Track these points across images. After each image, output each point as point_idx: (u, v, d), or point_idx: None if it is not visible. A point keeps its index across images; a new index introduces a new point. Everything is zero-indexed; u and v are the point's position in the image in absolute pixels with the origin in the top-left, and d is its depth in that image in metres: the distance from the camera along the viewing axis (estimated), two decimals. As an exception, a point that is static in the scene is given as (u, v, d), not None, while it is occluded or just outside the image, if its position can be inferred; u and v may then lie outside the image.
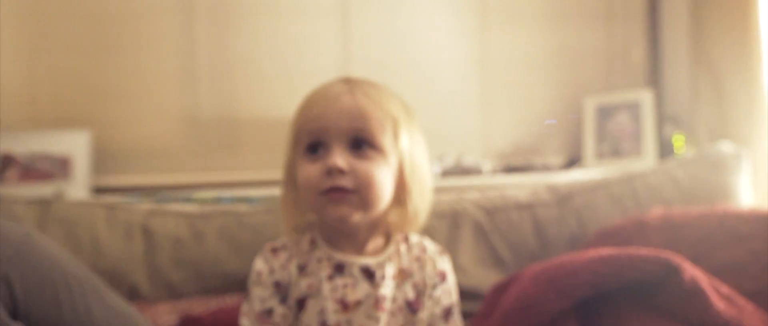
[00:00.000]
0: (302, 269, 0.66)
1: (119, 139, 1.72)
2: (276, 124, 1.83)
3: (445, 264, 0.71)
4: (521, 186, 1.35)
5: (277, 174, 1.95)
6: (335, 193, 0.62)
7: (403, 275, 0.68)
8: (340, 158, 0.62)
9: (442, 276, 0.70)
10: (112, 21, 1.72)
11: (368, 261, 0.67)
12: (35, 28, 1.68)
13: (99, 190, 1.64)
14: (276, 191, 1.59)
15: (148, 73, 1.72)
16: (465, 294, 1.13)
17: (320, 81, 1.99)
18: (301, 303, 0.65)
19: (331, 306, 0.65)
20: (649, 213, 1.11)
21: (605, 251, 0.80)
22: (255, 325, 0.65)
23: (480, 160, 1.74)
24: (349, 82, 0.68)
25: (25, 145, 1.57)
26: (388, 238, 0.70)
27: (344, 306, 0.65)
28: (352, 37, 1.81)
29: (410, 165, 0.67)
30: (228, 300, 1.12)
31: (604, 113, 1.79)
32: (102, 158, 1.68)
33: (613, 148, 1.76)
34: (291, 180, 0.69)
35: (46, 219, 1.13)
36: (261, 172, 1.79)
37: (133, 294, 1.08)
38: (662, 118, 1.78)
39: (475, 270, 1.17)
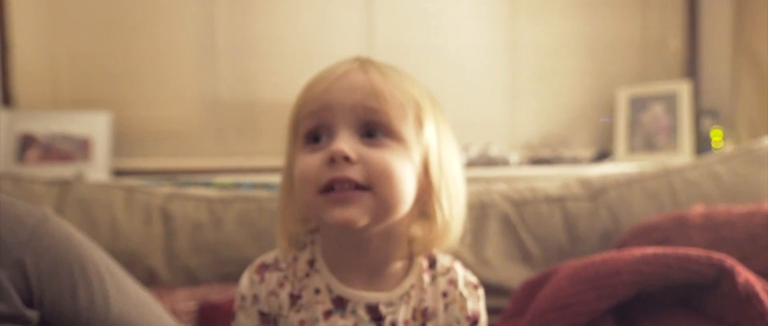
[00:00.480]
0: (295, 300, 0.52)
1: (138, 121, 1.71)
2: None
3: (476, 303, 0.54)
4: (550, 178, 1.29)
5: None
6: (340, 192, 0.47)
7: (423, 316, 0.52)
8: (345, 143, 0.47)
9: (473, 320, 0.54)
10: (133, 3, 1.71)
11: (379, 297, 0.51)
12: (56, 9, 1.67)
13: (118, 173, 1.63)
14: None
15: (167, 55, 1.71)
16: (491, 289, 1.09)
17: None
18: None
19: None
20: (690, 210, 1.04)
21: (650, 249, 0.74)
22: None
23: (507, 151, 1.68)
24: (362, 60, 0.52)
25: (45, 125, 1.57)
26: (409, 263, 0.54)
27: None
28: (375, 19, 1.77)
29: (438, 162, 0.51)
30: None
31: (638, 105, 1.72)
32: (121, 140, 1.68)
33: (646, 142, 1.68)
34: (289, 178, 0.54)
35: (65, 200, 1.11)
36: (279, 159, 1.76)
37: (151, 279, 1.06)
38: (699, 111, 1.70)
39: (501, 264, 1.13)
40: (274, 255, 0.55)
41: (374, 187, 0.47)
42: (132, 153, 1.71)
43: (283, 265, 0.54)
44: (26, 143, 1.56)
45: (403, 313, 0.52)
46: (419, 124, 0.51)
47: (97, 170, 1.58)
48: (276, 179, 1.54)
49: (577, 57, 1.83)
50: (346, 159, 0.47)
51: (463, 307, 0.53)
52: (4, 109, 1.59)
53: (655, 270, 0.71)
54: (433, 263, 0.55)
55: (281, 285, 0.53)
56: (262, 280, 0.53)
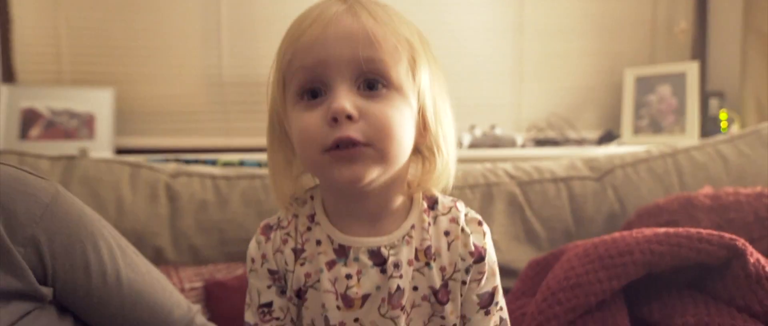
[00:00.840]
0: (299, 254, 0.52)
1: (141, 98, 1.69)
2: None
3: (481, 238, 0.53)
4: (556, 159, 1.29)
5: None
6: (346, 150, 0.46)
7: (426, 256, 0.51)
8: (346, 100, 0.46)
9: (477, 255, 0.52)
10: (136, -22, 1.67)
11: (380, 241, 0.51)
12: (58, -18, 1.63)
13: (120, 151, 1.62)
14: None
15: (172, 32, 1.68)
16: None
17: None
18: (300, 295, 0.52)
19: (331, 301, 0.50)
20: (697, 192, 1.04)
21: (661, 230, 0.74)
22: (257, 321, 0.54)
23: (513, 131, 1.67)
24: (348, 0, 0.49)
25: (48, 101, 1.56)
26: (409, 204, 0.53)
27: (348, 302, 0.50)
28: (382, -2, 1.73)
29: (433, 105, 0.51)
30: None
31: (645, 86, 1.70)
32: (124, 118, 1.66)
33: (653, 123, 1.67)
34: (278, 137, 0.53)
35: (71, 176, 1.11)
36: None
37: (157, 258, 1.06)
38: (707, 93, 1.69)
39: (508, 245, 1.13)
40: (277, 216, 0.55)
41: (376, 143, 0.47)
42: (135, 131, 1.70)
43: (284, 223, 0.53)
44: (29, 119, 1.55)
45: (405, 254, 0.51)
46: (413, 65, 0.49)
47: (101, 148, 1.57)
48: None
49: (584, 37, 1.81)
50: (349, 116, 0.46)
51: (466, 243, 0.52)
52: (6, 85, 1.58)
53: (666, 249, 0.70)
54: (434, 204, 0.54)
55: (284, 241, 0.52)
56: (268, 239, 0.53)
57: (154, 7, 1.67)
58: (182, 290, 1.00)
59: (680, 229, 0.72)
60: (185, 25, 1.69)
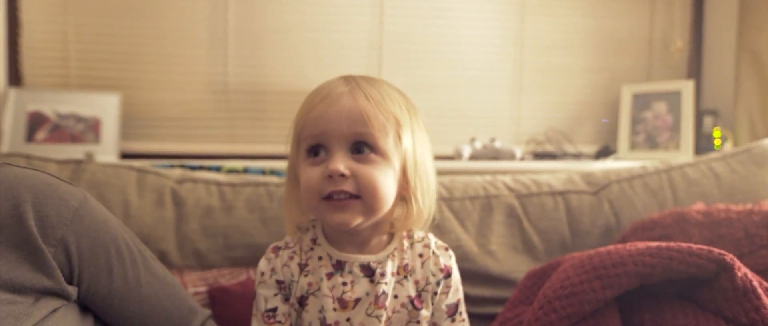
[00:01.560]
0: (303, 267, 0.66)
1: (147, 104, 1.72)
2: (302, 97, 1.80)
3: (448, 260, 0.69)
4: (554, 173, 1.32)
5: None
6: (337, 201, 0.61)
7: (404, 271, 0.66)
8: (341, 163, 0.60)
9: (446, 272, 0.68)
10: (144, -16, 1.70)
11: (369, 258, 0.66)
12: (68, -12, 1.66)
13: (126, 156, 1.64)
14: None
15: (178, 39, 1.71)
16: (495, 280, 1.12)
17: (350, 54, 1.96)
18: (302, 302, 0.65)
19: (329, 304, 0.64)
20: (690, 207, 1.07)
21: (653, 243, 0.77)
22: (261, 325, 0.66)
23: (512, 144, 1.70)
24: (350, 82, 0.65)
25: (55, 105, 1.58)
26: (392, 235, 0.69)
27: (343, 304, 0.64)
28: (385, 10, 1.77)
29: (413, 163, 0.65)
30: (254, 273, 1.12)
31: (642, 103, 1.74)
32: (130, 123, 1.69)
33: (648, 140, 1.71)
34: (294, 178, 0.68)
35: (78, 180, 1.13)
36: (287, 146, 1.78)
37: (162, 261, 1.08)
38: (701, 112, 1.72)
39: (505, 255, 1.15)
40: (284, 241, 0.69)
41: (363, 197, 0.61)
42: (140, 136, 1.72)
43: (291, 244, 0.68)
44: (36, 122, 1.57)
45: (390, 267, 0.65)
46: (398, 137, 0.63)
47: (106, 152, 1.59)
48: (283, 165, 1.56)
49: (583, 54, 1.85)
50: (342, 175, 0.60)
51: (436, 263, 0.68)
52: (14, 88, 1.60)
53: (657, 262, 0.73)
54: (411, 234, 0.70)
55: (291, 258, 0.67)
56: (277, 256, 0.68)
57: (162, 14, 1.70)
58: (187, 293, 1.02)
59: (672, 244, 0.75)
60: (192, 33, 1.72)
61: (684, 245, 0.75)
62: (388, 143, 0.62)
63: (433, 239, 0.70)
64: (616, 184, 1.23)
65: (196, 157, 1.66)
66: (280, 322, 0.65)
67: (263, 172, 1.42)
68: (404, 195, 0.66)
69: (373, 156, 0.62)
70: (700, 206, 1.07)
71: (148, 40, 1.70)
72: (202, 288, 1.05)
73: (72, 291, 0.61)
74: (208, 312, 0.78)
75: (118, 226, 0.68)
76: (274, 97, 1.78)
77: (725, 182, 1.22)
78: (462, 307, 0.69)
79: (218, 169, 1.40)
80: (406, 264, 0.66)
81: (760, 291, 0.72)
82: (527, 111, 1.84)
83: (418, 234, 0.70)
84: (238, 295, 1.02)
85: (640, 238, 1.03)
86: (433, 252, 0.68)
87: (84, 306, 0.65)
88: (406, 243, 0.68)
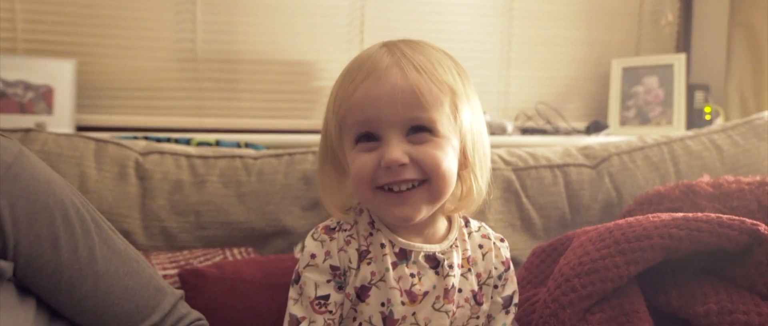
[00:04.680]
0: (364, 254, 0.58)
1: (106, 72, 1.56)
2: (279, 67, 1.69)
3: (507, 251, 0.65)
4: (548, 147, 1.25)
5: (279, 122, 1.81)
6: (398, 194, 0.54)
7: (468, 263, 0.61)
8: (397, 150, 0.53)
9: (507, 265, 0.63)
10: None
11: (434, 247, 0.59)
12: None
13: (82, 128, 1.50)
14: (278, 139, 1.48)
15: (141, 1, 1.56)
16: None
17: (331, 22, 1.82)
18: (361, 293, 0.57)
19: (397, 297, 0.56)
20: (698, 179, 1.02)
21: (678, 214, 0.71)
22: (308, 312, 0.57)
23: (503, 119, 1.63)
24: (394, 51, 0.57)
25: (1, 71, 1.41)
26: (450, 221, 0.63)
27: (412, 297, 0.57)
28: (370, -26, 1.66)
29: (472, 141, 0.59)
30: (234, 253, 1.02)
31: (632, 77, 1.69)
32: (86, 93, 1.54)
33: (639, 114, 1.66)
34: (331, 161, 0.61)
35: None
36: (261, 120, 1.66)
37: (126, 240, 0.97)
38: (691, 86, 1.69)
39: (503, 232, 1.08)
40: (334, 220, 0.60)
41: (431, 179, 0.54)
42: (99, 107, 1.57)
43: (346, 226, 0.59)
44: (-22, 91, 1.40)
45: (456, 258, 0.60)
46: (455, 109, 0.57)
47: (60, 124, 1.44)
48: (259, 139, 1.44)
49: (572, 26, 1.79)
50: (401, 166, 0.53)
51: (498, 255, 0.63)
52: (-48, 53, 1.43)
53: (685, 234, 0.67)
54: (467, 222, 0.65)
55: (348, 242, 0.58)
56: (332, 238, 0.58)
57: (123, -27, 1.54)
58: (154, 277, 0.91)
59: (699, 214, 0.69)
60: (157, -5, 1.57)
61: (713, 215, 0.68)
62: (445, 120, 0.55)
63: (489, 229, 0.65)
64: (616, 157, 1.18)
65: (161, 130, 1.53)
66: (330, 312, 0.57)
67: (238, 145, 1.30)
68: (460, 174, 0.59)
69: (430, 136, 0.55)
70: (708, 178, 1.02)
71: (106, 0, 1.54)
72: (172, 271, 0.94)
73: (6, 266, 0.50)
74: (179, 292, 0.67)
75: (65, 188, 0.56)
76: (248, 66, 1.65)
77: (728, 155, 1.18)
78: (516, 298, 0.65)
79: (187, 142, 1.28)
80: (469, 256, 0.61)
81: (794, 264, 0.66)
82: (516, 85, 1.77)
83: (474, 223, 0.65)
84: (213, 278, 0.91)
85: (648, 212, 0.97)
86: (495, 244, 0.63)
87: (24, 288, 0.53)
88: (464, 231, 0.62)
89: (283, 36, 1.64)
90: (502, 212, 1.10)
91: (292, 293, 0.59)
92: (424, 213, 0.56)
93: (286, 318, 0.58)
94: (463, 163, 0.59)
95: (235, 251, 1.02)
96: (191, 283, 0.92)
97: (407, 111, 0.53)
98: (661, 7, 1.80)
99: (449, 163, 0.55)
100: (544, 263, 0.81)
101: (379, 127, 0.54)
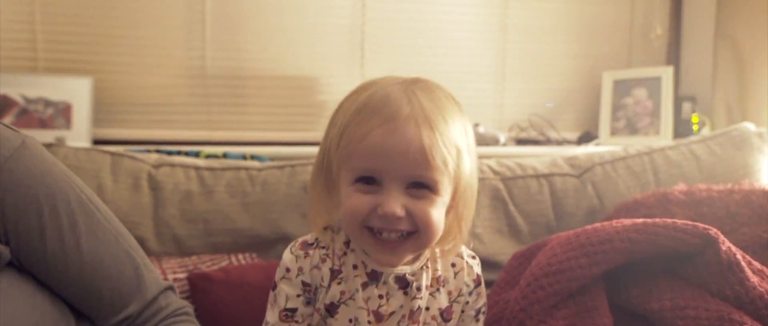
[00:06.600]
0: (336, 274, 0.61)
1: (121, 88, 1.66)
2: (284, 82, 1.78)
3: (478, 268, 0.67)
4: (539, 157, 1.32)
5: (283, 135, 1.90)
6: (387, 242, 0.56)
7: (438, 283, 0.63)
8: (397, 203, 0.55)
9: (477, 281, 0.66)
10: (118, -36, 1.64)
11: (404, 270, 0.61)
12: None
13: (98, 142, 1.59)
14: (282, 151, 1.56)
15: (153, 21, 1.65)
16: (481, 263, 1.12)
17: (332, 39, 1.90)
18: (331, 309, 0.60)
19: (364, 316, 0.60)
20: (673, 188, 1.08)
21: (639, 220, 0.77)
22: (276, 321, 0.61)
23: (496, 130, 1.70)
24: (412, 99, 0.56)
25: (23, 89, 1.51)
26: None
27: (378, 317, 0.60)
28: (368, -6, 1.74)
29: (464, 188, 0.60)
30: (239, 258, 1.09)
31: (623, 89, 1.76)
32: (102, 109, 1.63)
33: (629, 125, 1.72)
34: (323, 178, 0.61)
35: (49, 164, 1.08)
36: (266, 133, 1.74)
37: (139, 246, 1.05)
38: (679, 97, 1.75)
39: (491, 238, 1.15)
40: (313, 236, 0.63)
41: (420, 231, 0.56)
42: (113, 122, 1.67)
43: (323, 244, 0.62)
44: (2, 106, 1.50)
45: (424, 280, 0.62)
46: (458, 164, 0.58)
47: (77, 138, 1.53)
48: (264, 151, 1.53)
49: (565, 40, 1.86)
50: (397, 218, 0.55)
51: (470, 273, 0.65)
52: (-22, 72, 1.53)
53: (644, 238, 0.73)
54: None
55: (323, 260, 0.61)
56: (307, 255, 0.61)
57: (136, -5, 1.64)
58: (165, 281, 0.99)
59: (657, 219, 0.75)
60: (168, 14, 1.67)
61: (669, 221, 0.75)
62: (445, 179, 0.56)
63: (462, 247, 0.66)
64: (600, 167, 1.24)
65: (172, 143, 1.61)
66: (297, 322, 0.61)
67: (244, 157, 1.39)
68: (449, 219, 0.61)
69: (428, 193, 0.56)
70: (682, 187, 1.08)
71: (121, 22, 1.64)
72: (182, 275, 1.02)
73: (3, 250, 0.56)
74: (166, 284, 0.71)
75: (61, 181, 0.61)
76: (254, 81, 1.74)
77: (705, 164, 1.23)
78: (485, 308, 0.68)
79: (196, 155, 1.36)
80: (440, 276, 0.63)
81: (743, 264, 0.72)
82: (510, 97, 1.84)
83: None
84: (219, 282, 0.99)
85: (625, 218, 1.04)
86: (467, 263, 0.65)
87: (22, 268, 0.60)
88: (437, 250, 0.64)
89: (287, 53, 1.72)
90: (490, 219, 1.17)
91: (270, 298, 0.63)
92: (406, 259, 0.60)
93: (264, 321, 0.63)
94: (451, 206, 0.60)
95: (241, 256, 1.09)
96: (199, 286, 1.00)
97: (414, 168, 0.55)
98: (651, 20, 1.86)
99: (439, 217, 0.57)
100: (521, 266, 0.88)
101: (382, 175, 0.55)
